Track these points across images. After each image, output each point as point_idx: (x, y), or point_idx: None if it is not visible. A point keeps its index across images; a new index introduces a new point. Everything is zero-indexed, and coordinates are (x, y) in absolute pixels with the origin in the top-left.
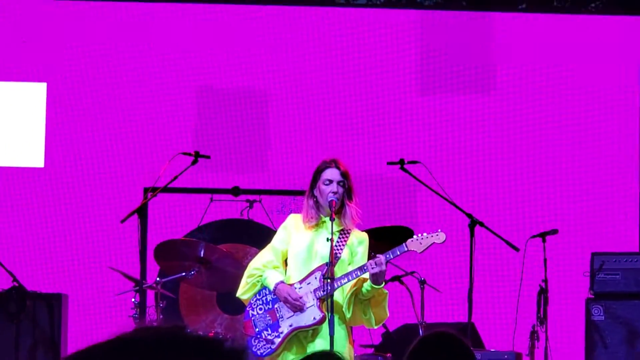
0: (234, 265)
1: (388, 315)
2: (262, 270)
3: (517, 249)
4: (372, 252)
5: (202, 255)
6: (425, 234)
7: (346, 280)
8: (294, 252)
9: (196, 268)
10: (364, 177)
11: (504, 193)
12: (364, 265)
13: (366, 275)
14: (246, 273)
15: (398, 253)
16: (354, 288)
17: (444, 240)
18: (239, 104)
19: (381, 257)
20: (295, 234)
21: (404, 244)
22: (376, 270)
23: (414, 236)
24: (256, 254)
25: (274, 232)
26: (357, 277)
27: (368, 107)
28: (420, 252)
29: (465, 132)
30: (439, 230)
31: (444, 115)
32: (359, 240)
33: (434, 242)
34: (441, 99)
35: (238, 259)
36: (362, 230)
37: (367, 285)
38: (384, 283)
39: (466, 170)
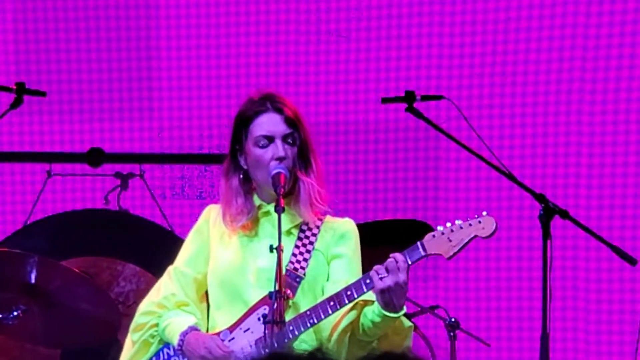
0: (93, 298)
1: None
2: (157, 314)
3: (633, 262)
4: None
5: (32, 280)
6: (457, 223)
7: (315, 320)
8: (217, 275)
9: (22, 305)
10: (338, 128)
11: (601, 161)
12: (360, 280)
13: (368, 296)
14: (132, 325)
15: (417, 257)
16: (347, 323)
17: (494, 231)
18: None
19: (397, 257)
20: (218, 243)
21: (417, 243)
22: (388, 282)
23: (438, 228)
24: (137, 276)
25: (170, 233)
26: (343, 305)
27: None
28: (448, 257)
29: (534, 45)
30: (484, 213)
31: (490, 13)
32: (339, 234)
33: (475, 236)
34: None
35: (101, 285)
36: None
37: (371, 313)
38: (403, 308)
39: (530, 116)
